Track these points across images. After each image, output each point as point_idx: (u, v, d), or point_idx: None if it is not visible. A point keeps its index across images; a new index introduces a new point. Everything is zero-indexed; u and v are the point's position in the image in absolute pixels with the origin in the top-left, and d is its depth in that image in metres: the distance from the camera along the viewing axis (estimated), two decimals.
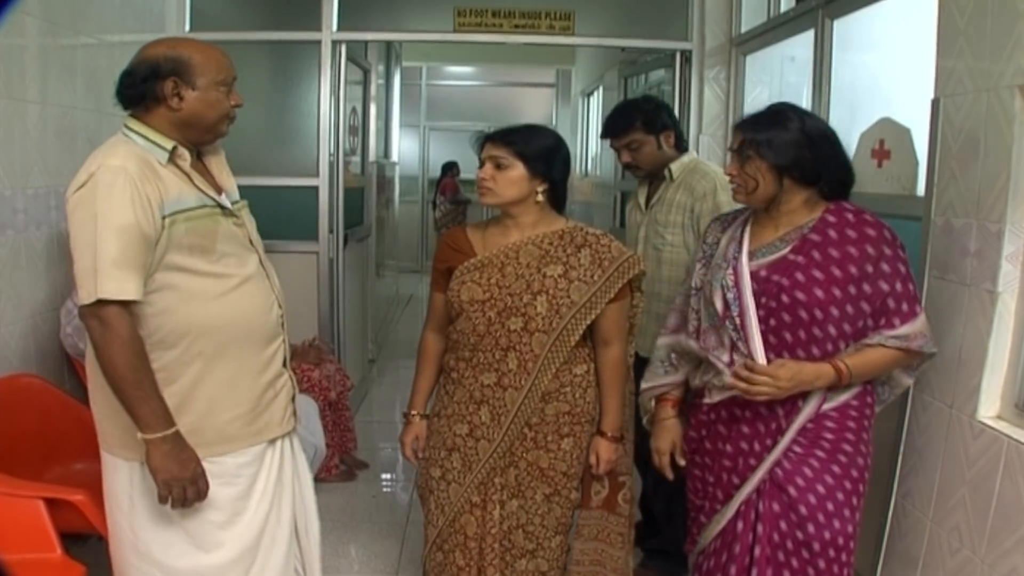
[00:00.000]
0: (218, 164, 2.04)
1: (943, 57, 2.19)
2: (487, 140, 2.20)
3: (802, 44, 3.40)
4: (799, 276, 1.93)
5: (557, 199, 2.23)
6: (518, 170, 2.15)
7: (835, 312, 1.92)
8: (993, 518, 1.94)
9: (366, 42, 5.46)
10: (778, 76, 3.89)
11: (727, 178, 2.27)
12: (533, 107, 12.32)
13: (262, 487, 2.01)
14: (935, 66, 2.21)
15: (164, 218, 1.79)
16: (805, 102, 3.30)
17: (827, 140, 1.98)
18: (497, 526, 2.24)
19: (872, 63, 3.04)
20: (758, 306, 1.96)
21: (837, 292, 1.91)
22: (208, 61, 1.88)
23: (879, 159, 2.75)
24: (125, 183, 1.74)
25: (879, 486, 2.18)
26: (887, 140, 2.70)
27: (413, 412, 2.38)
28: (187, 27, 4.19)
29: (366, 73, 5.59)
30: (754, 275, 1.98)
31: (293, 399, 2.13)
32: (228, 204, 1.96)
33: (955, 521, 2.09)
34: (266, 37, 4.33)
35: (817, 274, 1.92)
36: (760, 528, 2.00)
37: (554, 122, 11.81)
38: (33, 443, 2.68)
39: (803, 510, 1.96)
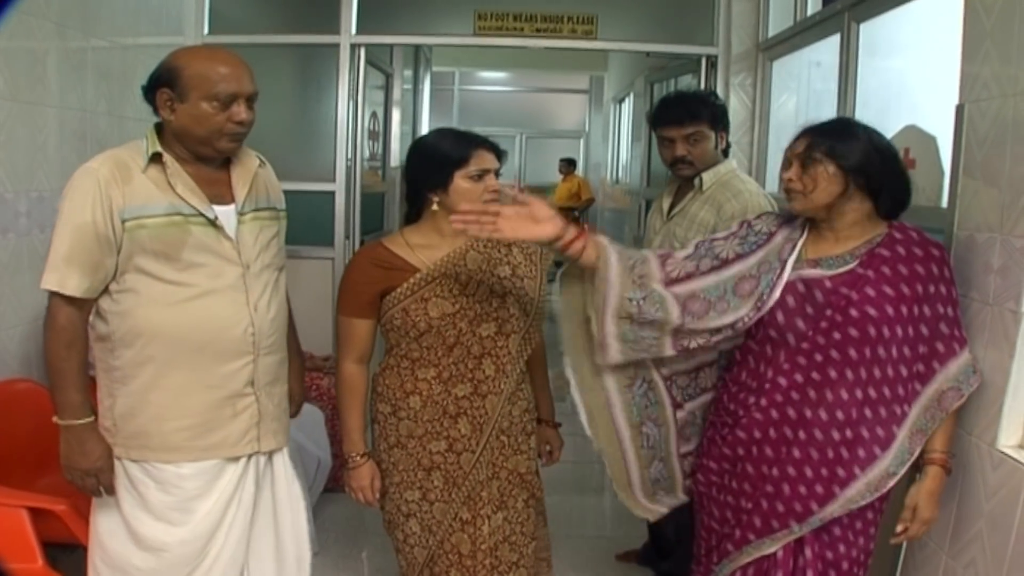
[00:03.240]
0: (242, 174, 2.03)
1: (968, 60, 2.06)
2: (486, 150, 2.12)
3: (828, 49, 3.29)
4: (869, 291, 1.86)
5: None
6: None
7: (900, 332, 1.86)
8: (1011, 556, 1.81)
9: (391, 46, 5.43)
10: (805, 82, 3.77)
11: (762, 196, 2.19)
12: (566, 113, 12.31)
13: (210, 505, 2.01)
14: (960, 70, 2.08)
15: (125, 222, 1.86)
16: (832, 110, 3.18)
17: (892, 155, 1.91)
18: (487, 541, 2.18)
19: (899, 68, 2.91)
20: (821, 318, 1.88)
21: (905, 310, 1.85)
22: (204, 75, 1.86)
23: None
24: (90, 185, 1.84)
25: (895, 514, 2.05)
26: (912, 149, 2.57)
27: (360, 454, 2.17)
28: (205, 30, 4.17)
29: (388, 77, 5.53)
30: (817, 284, 1.91)
31: (281, 421, 2.14)
32: (213, 215, 1.94)
33: (971, 556, 1.95)
34: (284, 40, 4.31)
35: (887, 290, 1.86)
36: (807, 555, 1.93)
37: (587, 128, 11.77)
38: (27, 449, 2.64)
39: (836, 531, 1.92)
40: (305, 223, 4.33)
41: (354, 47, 4.26)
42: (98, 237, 1.84)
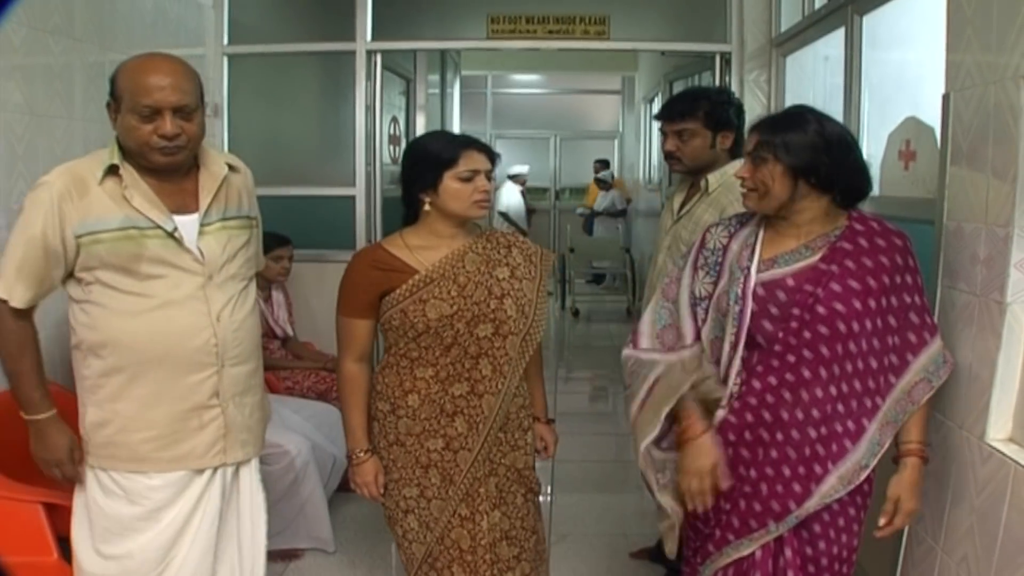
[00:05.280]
0: (208, 183, 2.01)
1: (952, 49, 2.03)
2: (477, 150, 2.13)
3: (835, 43, 3.25)
4: (835, 286, 1.81)
5: None
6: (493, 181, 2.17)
7: (868, 325, 1.82)
8: (1000, 551, 1.78)
9: (413, 52, 5.49)
10: (818, 77, 3.73)
11: None
12: (599, 114, 12.26)
13: (174, 514, 2.02)
14: (945, 59, 2.06)
15: (79, 237, 1.88)
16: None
17: (845, 145, 1.86)
18: (486, 536, 2.19)
19: (902, 60, 2.87)
20: (789, 318, 1.84)
21: (872, 303, 1.82)
22: (130, 86, 1.84)
23: (906, 160, 2.60)
24: (45, 198, 1.87)
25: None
26: (913, 140, 2.55)
27: (363, 450, 2.21)
28: (225, 40, 4.27)
29: (408, 82, 5.59)
30: (779, 284, 1.87)
31: (253, 431, 2.15)
32: (171, 227, 1.93)
33: (964, 551, 1.93)
34: (300, 48, 4.39)
35: (854, 284, 1.81)
36: (787, 554, 1.90)
37: (620, 128, 11.72)
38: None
39: (816, 528, 1.89)
40: (327, 227, 4.43)
41: (370, 53, 4.33)
42: (46, 251, 1.88)
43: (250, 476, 2.18)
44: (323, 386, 3.85)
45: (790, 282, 1.86)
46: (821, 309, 1.82)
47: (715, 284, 1.96)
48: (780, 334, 1.85)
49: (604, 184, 10.51)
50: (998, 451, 1.83)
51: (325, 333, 4.40)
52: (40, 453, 2.00)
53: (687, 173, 2.75)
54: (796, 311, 1.83)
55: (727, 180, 2.63)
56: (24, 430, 2.67)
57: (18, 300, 1.90)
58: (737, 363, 1.89)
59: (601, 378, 6.51)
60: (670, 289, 2.06)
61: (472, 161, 2.10)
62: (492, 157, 2.16)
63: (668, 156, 2.72)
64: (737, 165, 2.65)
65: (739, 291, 1.88)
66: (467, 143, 2.13)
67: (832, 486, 1.85)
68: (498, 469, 2.21)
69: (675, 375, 1.96)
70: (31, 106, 2.86)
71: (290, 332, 4.00)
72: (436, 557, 2.22)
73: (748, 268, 1.90)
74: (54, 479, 2.04)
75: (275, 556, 3.20)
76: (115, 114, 1.89)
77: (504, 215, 10.12)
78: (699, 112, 2.62)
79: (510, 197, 10.25)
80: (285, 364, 3.90)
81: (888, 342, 1.85)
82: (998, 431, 1.87)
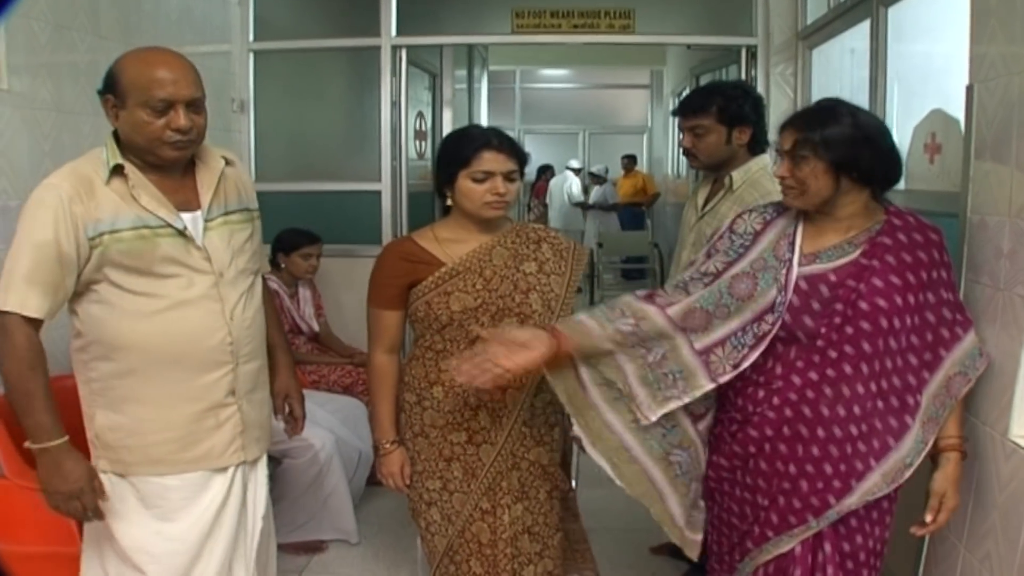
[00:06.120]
0: (207, 178, 1.97)
1: (976, 40, 2.00)
2: (494, 151, 2.09)
3: (861, 36, 3.21)
4: (877, 282, 1.79)
5: None
6: (518, 181, 2.13)
7: (908, 321, 1.80)
8: (1023, 551, 1.75)
9: (440, 47, 5.50)
10: (844, 70, 3.69)
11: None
12: (628, 108, 12.22)
13: (197, 515, 1.97)
14: (969, 50, 2.03)
15: (92, 239, 1.80)
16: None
17: (880, 135, 1.83)
18: (507, 531, 2.20)
19: (928, 52, 2.83)
20: (831, 313, 1.82)
21: (911, 299, 1.80)
22: (138, 81, 1.79)
23: (931, 153, 2.56)
24: (53, 202, 1.76)
25: (918, 507, 2.00)
26: (938, 133, 2.51)
27: (390, 440, 2.23)
28: (251, 37, 4.31)
29: (434, 78, 5.60)
30: (822, 278, 1.85)
31: (263, 427, 2.11)
32: (181, 225, 1.89)
33: (987, 549, 1.90)
34: (325, 44, 4.43)
35: (895, 280, 1.79)
36: (826, 549, 1.88)
37: (649, 123, 11.67)
38: (74, 441, 2.77)
39: (853, 522, 1.87)
40: (353, 222, 4.46)
41: (394, 49, 4.34)
42: (60, 256, 1.77)
43: (262, 471, 2.16)
44: (349, 380, 3.87)
45: (832, 277, 1.84)
46: (864, 304, 1.79)
47: (729, 265, 1.92)
48: (822, 329, 1.82)
49: (598, 179, 10.56)
50: (1021, 448, 1.80)
51: (352, 327, 4.46)
52: (56, 486, 1.82)
53: (705, 169, 2.74)
54: (839, 306, 1.81)
55: (751, 176, 2.62)
56: (71, 421, 2.72)
57: (33, 309, 1.76)
58: (755, 355, 1.86)
59: None
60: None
61: (486, 162, 2.07)
62: (518, 157, 2.13)
63: (686, 152, 2.71)
64: (761, 162, 2.67)
65: (780, 280, 1.86)
66: (486, 144, 2.09)
67: (875, 483, 1.83)
68: (521, 463, 2.21)
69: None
70: (57, 103, 2.91)
71: (316, 328, 4.03)
72: (456, 550, 2.23)
73: (789, 260, 1.87)
74: (70, 515, 1.87)
75: (299, 548, 3.24)
76: (116, 110, 1.83)
77: (581, 205, 10.31)
78: (712, 108, 2.60)
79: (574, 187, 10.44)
80: (312, 359, 3.94)
81: (925, 338, 1.83)
82: (1021, 427, 1.84)
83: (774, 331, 1.84)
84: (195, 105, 1.85)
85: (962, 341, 1.85)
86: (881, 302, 1.79)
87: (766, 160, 2.69)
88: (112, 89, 1.82)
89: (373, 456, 3.61)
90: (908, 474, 1.83)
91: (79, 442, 1.90)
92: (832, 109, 1.84)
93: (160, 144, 1.82)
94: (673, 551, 3.21)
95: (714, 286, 1.91)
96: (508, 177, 2.10)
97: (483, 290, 2.11)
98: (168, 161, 1.87)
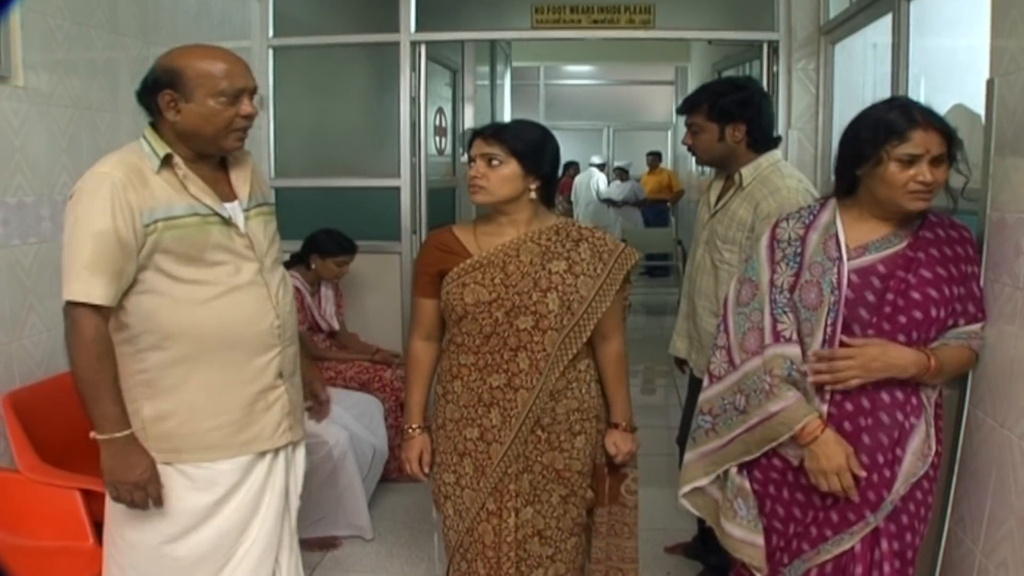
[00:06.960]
0: (241, 171, 2.04)
1: (997, 33, 1.96)
2: (476, 136, 2.15)
3: (884, 30, 3.16)
4: (925, 273, 1.86)
5: (548, 195, 2.19)
6: (511, 167, 2.11)
7: (943, 313, 1.87)
8: None
9: (461, 43, 5.49)
10: (867, 66, 3.64)
11: (801, 193, 2.26)
12: (652, 105, 12.18)
13: (241, 497, 2.00)
14: (989, 43, 1.98)
15: (147, 226, 1.83)
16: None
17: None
18: (512, 534, 2.18)
19: (950, 47, 2.78)
20: (883, 304, 1.86)
21: (947, 292, 1.87)
22: (208, 72, 1.85)
23: None
24: (107, 190, 1.79)
25: (935, 508, 1.97)
26: (959, 129, 2.45)
27: (414, 426, 2.27)
28: (270, 33, 4.32)
29: (454, 74, 5.60)
30: (871, 270, 1.89)
31: (309, 410, 2.16)
32: (227, 214, 1.94)
33: (1003, 555, 1.85)
34: (344, 40, 4.42)
35: (940, 271, 1.86)
36: (883, 546, 1.89)
37: (673, 119, 11.60)
38: (84, 436, 2.79)
39: (904, 519, 1.90)
40: (373, 218, 4.46)
41: (414, 44, 4.32)
42: (120, 243, 1.79)
43: (302, 455, 2.20)
44: (365, 376, 3.88)
45: (881, 268, 1.89)
46: (915, 295, 1.85)
47: (797, 276, 1.96)
48: (875, 319, 1.87)
49: (623, 173, 10.53)
50: None
51: (370, 323, 4.48)
52: (122, 476, 1.84)
53: (708, 165, 2.81)
54: (890, 296, 1.86)
55: (761, 173, 2.62)
56: (62, 417, 2.73)
57: (100, 297, 1.78)
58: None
59: (651, 371, 6.45)
60: (744, 292, 2.04)
61: (474, 147, 2.14)
62: (501, 139, 2.11)
63: (689, 149, 2.78)
64: (772, 157, 2.67)
65: (833, 281, 1.89)
66: (479, 132, 2.16)
67: (912, 463, 1.87)
68: (533, 467, 2.19)
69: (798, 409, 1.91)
70: (75, 100, 2.93)
71: (336, 326, 4.04)
72: (466, 548, 2.23)
73: (839, 258, 1.91)
74: (133, 504, 1.88)
75: (313, 544, 3.25)
76: (177, 103, 1.86)
77: (608, 201, 10.33)
78: (702, 106, 2.64)
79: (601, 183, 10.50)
80: (330, 355, 3.95)
81: (946, 325, 1.90)
82: None
83: (836, 331, 1.88)
84: (254, 95, 1.94)
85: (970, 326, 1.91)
86: (932, 292, 1.85)
87: (777, 155, 2.69)
88: (173, 84, 1.85)
89: (387, 452, 3.66)
90: (932, 444, 1.89)
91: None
92: (940, 115, 1.90)
93: (227, 132, 1.90)
94: (690, 551, 3.20)
95: (797, 306, 1.95)
96: (488, 160, 2.10)
97: (500, 285, 2.11)
98: (228, 150, 1.96)
